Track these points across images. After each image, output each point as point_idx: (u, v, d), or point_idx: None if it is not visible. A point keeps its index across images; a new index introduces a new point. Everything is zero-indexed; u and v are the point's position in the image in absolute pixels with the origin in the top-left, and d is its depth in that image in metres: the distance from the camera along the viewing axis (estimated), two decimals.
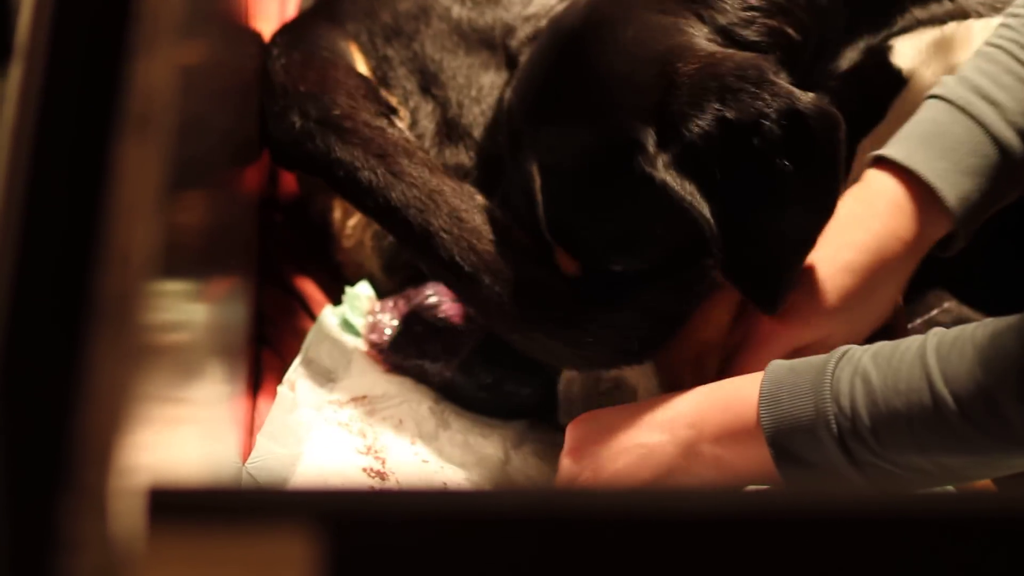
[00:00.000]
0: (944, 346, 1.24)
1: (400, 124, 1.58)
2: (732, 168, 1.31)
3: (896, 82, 1.44)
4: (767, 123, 1.29)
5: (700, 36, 1.35)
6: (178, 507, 0.78)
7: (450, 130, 1.60)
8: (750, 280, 1.38)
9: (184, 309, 1.10)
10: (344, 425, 1.53)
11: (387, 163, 1.52)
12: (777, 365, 1.32)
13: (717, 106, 1.30)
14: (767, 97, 1.30)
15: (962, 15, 1.47)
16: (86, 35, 0.93)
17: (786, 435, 1.29)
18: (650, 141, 1.32)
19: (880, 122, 1.44)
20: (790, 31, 1.37)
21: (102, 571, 0.79)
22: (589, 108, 1.36)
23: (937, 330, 1.27)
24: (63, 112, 0.92)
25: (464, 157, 1.59)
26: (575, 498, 0.79)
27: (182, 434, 1.07)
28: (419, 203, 1.50)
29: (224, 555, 0.78)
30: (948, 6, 1.47)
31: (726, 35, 1.36)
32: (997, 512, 0.81)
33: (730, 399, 1.34)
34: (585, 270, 1.42)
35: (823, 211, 1.35)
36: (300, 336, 1.62)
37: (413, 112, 1.61)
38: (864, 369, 1.27)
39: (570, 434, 1.41)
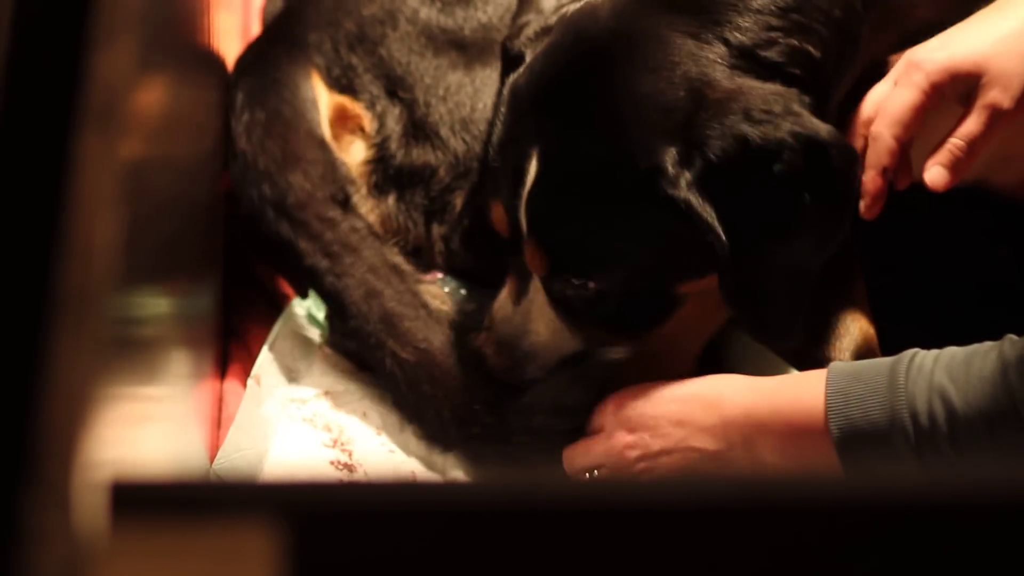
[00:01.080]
0: None
1: (356, 203, 1.58)
2: (750, 193, 1.33)
3: None
4: (789, 152, 1.32)
5: (726, 63, 1.36)
6: (141, 501, 0.78)
7: (417, 130, 1.61)
8: (749, 306, 1.39)
9: (148, 301, 1.10)
10: (308, 420, 1.53)
11: (332, 261, 1.55)
12: (838, 370, 1.34)
13: (742, 131, 1.32)
14: (791, 127, 1.32)
15: None
16: (46, 28, 0.93)
17: (857, 442, 1.31)
18: (670, 162, 1.33)
19: None
20: (811, 49, 1.38)
21: (66, 565, 0.79)
22: (612, 120, 1.37)
23: (1012, 339, 1.28)
24: (24, 105, 0.92)
25: (431, 156, 1.60)
26: (540, 489, 0.79)
27: (147, 427, 1.07)
28: (356, 305, 1.54)
29: (187, 548, 0.78)
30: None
31: (750, 57, 1.37)
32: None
33: (791, 402, 1.36)
34: (549, 270, 1.42)
35: (830, 243, 1.38)
36: (267, 327, 1.62)
37: (380, 116, 1.61)
38: (940, 386, 1.28)
39: (614, 408, 1.43)
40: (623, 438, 1.42)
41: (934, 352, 1.32)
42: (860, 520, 0.81)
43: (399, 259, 1.56)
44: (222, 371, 1.61)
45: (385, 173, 1.61)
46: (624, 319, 1.44)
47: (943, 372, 1.29)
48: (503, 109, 1.45)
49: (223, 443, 1.50)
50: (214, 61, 1.61)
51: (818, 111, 1.35)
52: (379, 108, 1.61)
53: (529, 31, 1.47)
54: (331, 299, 1.55)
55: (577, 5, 1.44)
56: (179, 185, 1.32)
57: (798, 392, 1.36)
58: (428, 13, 1.62)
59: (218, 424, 1.54)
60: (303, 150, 1.59)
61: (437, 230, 1.60)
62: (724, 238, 1.32)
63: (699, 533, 0.81)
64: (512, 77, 1.45)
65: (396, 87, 1.61)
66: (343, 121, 1.63)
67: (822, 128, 1.33)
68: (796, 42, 1.37)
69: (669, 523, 0.81)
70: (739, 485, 0.83)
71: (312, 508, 0.77)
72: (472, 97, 1.59)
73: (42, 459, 0.82)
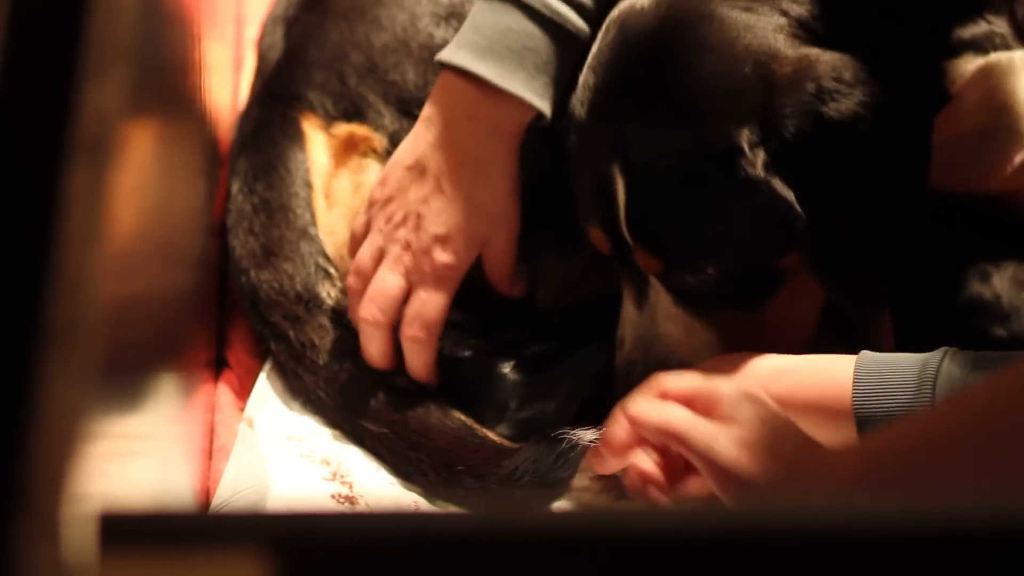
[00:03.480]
0: None
1: (330, 300, 1.60)
2: (826, 166, 1.35)
3: (941, 99, 1.45)
4: (862, 124, 1.34)
5: (786, 34, 1.37)
6: (129, 532, 0.78)
7: None
8: (836, 276, 1.42)
9: (139, 335, 1.10)
10: (306, 456, 1.53)
11: (297, 361, 1.58)
12: (868, 356, 1.36)
13: (816, 108, 1.34)
14: (861, 96, 1.34)
15: (1004, 45, 1.48)
16: (37, 61, 0.93)
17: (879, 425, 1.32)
18: (746, 143, 1.35)
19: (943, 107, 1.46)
20: (865, 32, 1.39)
21: None
22: (686, 111, 1.38)
23: None
24: (14, 138, 0.92)
25: None
26: (525, 521, 0.80)
27: (137, 460, 1.07)
28: (321, 400, 1.57)
29: None
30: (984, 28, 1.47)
31: (809, 29, 1.38)
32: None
33: (822, 378, 1.37)
34: (667, 269, 1.44)
35: (906, 207, 1.40)
36: (258, 359, 1.62)
37: (393, 136, 1.62)
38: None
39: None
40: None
41: (962, 359, 1.33)
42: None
43: None
44: (213, 402, 1.60)
45: None
46: (743, 295, 1.45)
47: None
48: (570, 135, 1.46)
49: (218, 488, 1.49)
50: (204, 94, 1.61)
51: (879, 77, 1.37)
52: (391, 128, 1.62)
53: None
54: (299, 394, 1.58)
55: (618, 8, 1.44)
56: (170, 219, 1.32)
57: (833, 367, 1.37)
58: (444, 34, 1.63)
59: (209, 455, 1.54)
60: (280, 246, 1.62)
61: None
62: (802, 214, 1.35)
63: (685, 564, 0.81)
64: (572, 100, 1.46)
65: (412, 107, 1.62)
66: (353, 146, 1.65)
67: (890, 94, 1.35)
68: (851, 21, 1.39)
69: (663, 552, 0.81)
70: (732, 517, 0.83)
71: (302, 538, 0.77)
72: None
73: (31, 490, 0.82)
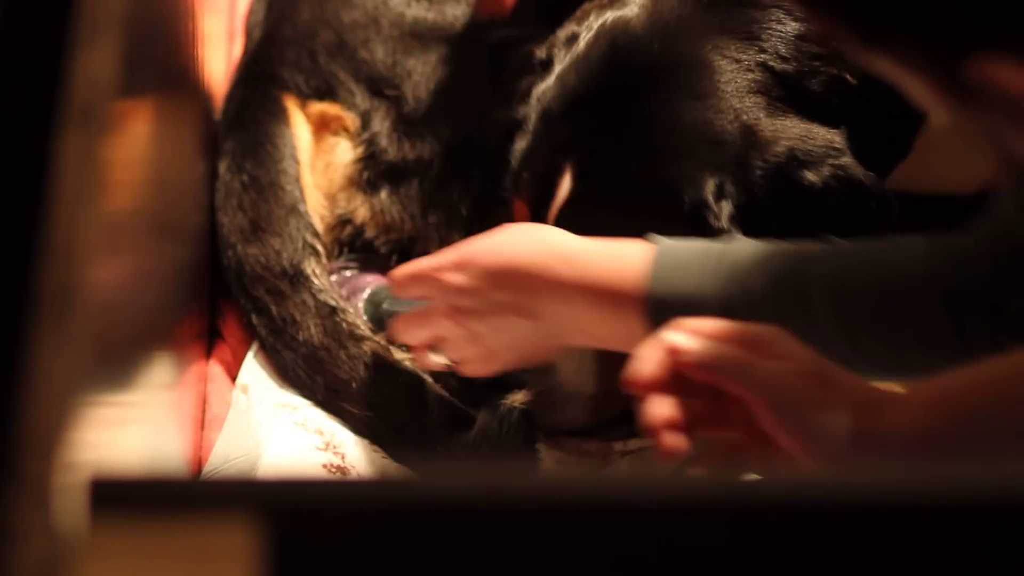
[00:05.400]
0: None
1: (312, 272, 1.60)
2: (787, 229, 1.34)
3: (921, 117, 1.44)
4: (832, 195, 1.34)
5: (770, 94, 1.38)
6: (120, 498, 0.78)
7: (407, 126, 1.62)
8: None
9: (131, 302, 1.10)
10: (300, 424, 1.53)
11: (276, 337, 1.58)
12: (664, 241, 1.31)
13: (790, 171, 1.34)
14: (834, 171, 1.35)
15: None
16: (30, 28, 0.93)
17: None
18: (711, 195, 1.35)
19: (904, 159, 1.46)
20: (847, 76, 1.39)
21: (45, 562, 0.79)
22: (657, 147, 1.38)
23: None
24: (6, 104, 0.92)
25: (424, 149, 1.62)
26: (515, 488, 0.80)
27: (129, 428, 1.07)
28: (300, 379, 1.57)
29: (166, 546, 0.78)
30: None
31: (793, 87, 1.39)
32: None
33: (611, 263, 1.32)
34: None
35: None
36: (251, 330, 1.62)
37: (364, 115, 1.63)
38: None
39: None
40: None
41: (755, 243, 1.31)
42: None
43: (348, 325, 1.57)
44: (206, 373, 1.61)
45: (376, 169, 1.63)
46: None
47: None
48: (532, 117, 1.45)
49: (210, 455, 1.50)
50: (200, 66, 1.61)
51: (857, 138, 1.37)
52: (362, 107, 1.62)
53: (561, 36, 1.46)
54: (279, 371, 1.58)
55: (610, 15, 1.43)
56: (164, 189, 1.32)
57: (614, 261, 1.32)
58: (415, 13, 1.63)
59: (202, 425, 1.54)
60: (269, 221, 1.62)
61: (433, 220, 1.61)
62: None
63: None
64: (540, 86, 1.45)
65: (382, 86, 1.62)
66: (326, 125, 1.65)
67: (863, 174, 1.35)
68: (836, 71, 1.39)
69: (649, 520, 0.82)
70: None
71: (291, 505, 0.77)
72: (464, 89, 1.61)
73: (23, 457, 0.82)
